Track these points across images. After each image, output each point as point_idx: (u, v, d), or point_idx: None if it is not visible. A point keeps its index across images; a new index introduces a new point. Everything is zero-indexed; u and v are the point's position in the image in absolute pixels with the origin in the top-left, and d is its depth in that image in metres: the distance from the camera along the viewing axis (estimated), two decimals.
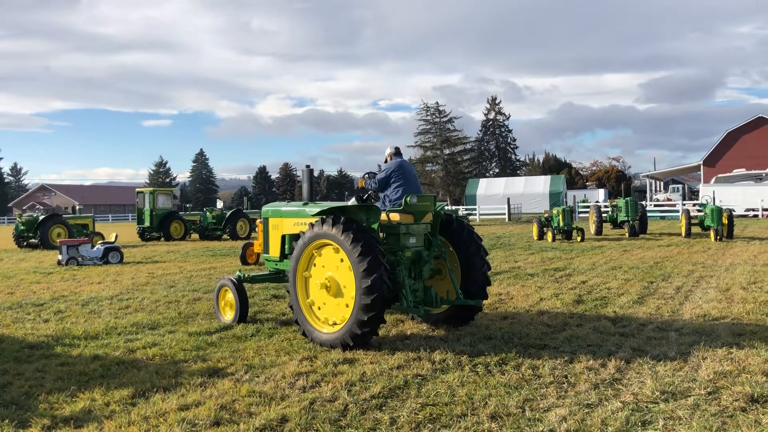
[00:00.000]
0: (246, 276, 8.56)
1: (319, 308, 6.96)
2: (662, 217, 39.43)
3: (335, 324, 6.77)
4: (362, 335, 6.48)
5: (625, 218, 24.12)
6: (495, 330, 7.44)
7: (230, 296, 8.29)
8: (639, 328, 7.48)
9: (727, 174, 52.73)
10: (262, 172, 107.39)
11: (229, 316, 8.30)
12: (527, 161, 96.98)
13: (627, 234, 23.48)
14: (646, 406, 4.75)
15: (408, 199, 7.31)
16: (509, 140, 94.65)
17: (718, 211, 21.28)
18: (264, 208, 8.75)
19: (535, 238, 23.46)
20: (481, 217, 47.99)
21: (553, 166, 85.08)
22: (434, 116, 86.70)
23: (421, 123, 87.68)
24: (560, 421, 4.44)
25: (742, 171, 52.46)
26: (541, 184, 60.40)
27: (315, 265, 7.03)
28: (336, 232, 6.60)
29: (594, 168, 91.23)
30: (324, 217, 6.90)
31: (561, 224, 22.62)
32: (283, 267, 8.24)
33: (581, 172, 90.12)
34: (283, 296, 10.43)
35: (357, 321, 6.43)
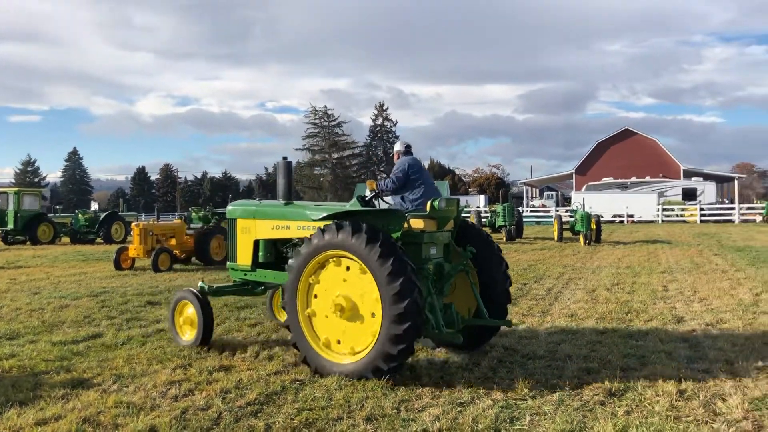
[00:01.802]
0: (211, 287, 7.22)
1: (325, 332, 5.76)
2: (537, 222, 41.49)
3: (356, 353, 5.57)
4: (388, 371, 5.37)
5: (503, 223, 25.20)
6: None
7: (190, 312, 6.91)
8: (512, 328, 7.78)
9: (597, 182, 56.24)
10: (141, 173, 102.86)
11: (188, 335, 6.92)
12: None
13: (504, 238, 24.52)
14: (515, 403, 4.94)
15: (436, 203, 6.28)
16: None
17: (588, 217, 22.62)
18: (230, 208, 7.45)
19: None
20: None
21: (437, 172, 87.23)
22: (323, 120, 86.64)
23: (309, 126, 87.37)
24: (433, 421, 4.54)
25: (610, 180, 56.07)
26: None
27: (320, 282, 5.80)
28: (357, 243, 5.43)
29: (476, 175, 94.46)
30: (338, 223, 5.64)
31: None
32: (256, 278, 7.08)
33: (464, 179, 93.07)
34: (159, 302, 10.02)
35: (383, 354, 5.31)
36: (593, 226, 22.39)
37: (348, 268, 5.61)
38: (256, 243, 7.03)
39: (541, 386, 5.34)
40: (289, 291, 5.89)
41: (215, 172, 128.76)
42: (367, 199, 6.98)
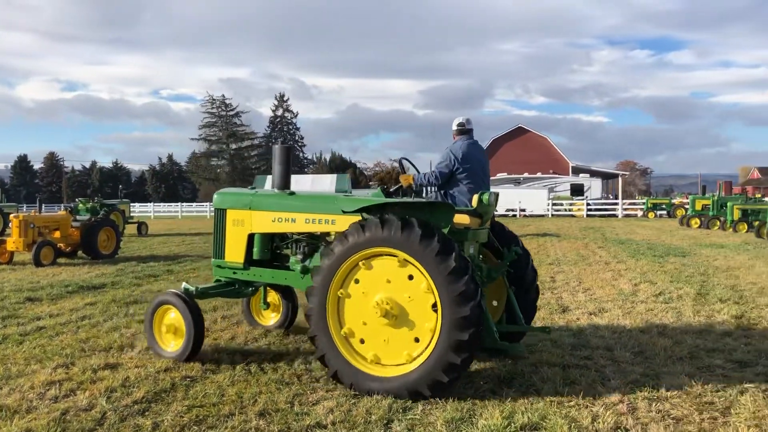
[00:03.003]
0: (197, 288, 6.30)
1: (363, 341, 5.10)
2: None
3: (400, 364, 4.95)
4: (448, 383, 4.80)
5: None
6: (272, 327, 7.40)
7: (174, 317, 5.99)
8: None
9: (492, 178, 57.90)
10: (23, 162, 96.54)
11: (173, 345, 5.96)
12: (314, 160, 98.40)
13: None
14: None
15: (486, 197, 5.74)
16: (297, 138, 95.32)
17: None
18: (218, 197, 6.49)
19: None
20: None
21: (339, 165, 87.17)
22: (220, 109, 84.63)
23: (206, 116, 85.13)
24: (327, 414, 4.53)
25: (504, 175, 58.00)
26: (328, 182, 61.44)
27: (358, 282, 5.11)
28: (408, 239, 4.82)
29: (377, 169, 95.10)
30: (382, 217, 4.98)
31: None
32: (248, 277, 6.29)
33: (365, 172, 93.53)
34: (40, 299, 9.45)
35: (443, 364, 4.72)
36: None
37: (411, 278, 4.92)
38: (251, 238, 6.22)
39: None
40: (317, 295, 5.13)
41: (105, 162, 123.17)
42: (391, 190, 6.25)
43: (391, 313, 4.93)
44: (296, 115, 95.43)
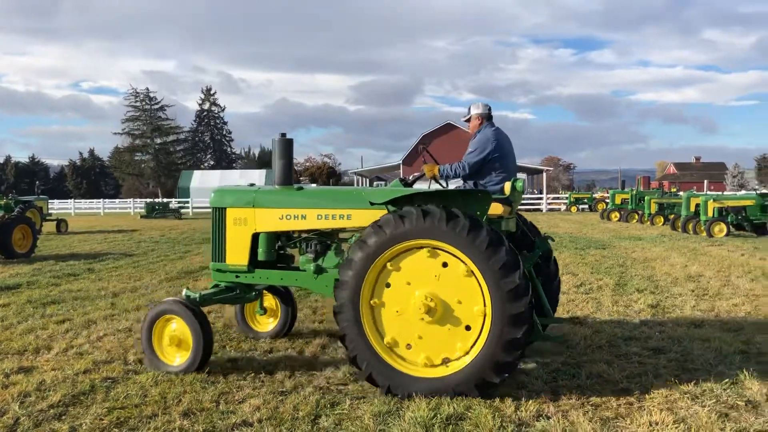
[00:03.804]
0: (200, 295, 5.70)
1: (409, 346, 4.78)
2: None
3: (446, 362, 4.69)
4: (499, 383, 4.62)
5: None
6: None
7: (179, 328, 5.41)
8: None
9: (420, 173, 58.51)
10: None
11: (179, 359, 5.41)
12: (243, 154, 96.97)
13: None
14: (337, 388, 5.01)
15: (519, 184, 5.60)
16: (225, 132, 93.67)
17: None
18: (216, 195, 5.96)
19: None
20: (195, 210, 46.77)
21: (268, 160, 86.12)
22: (144, 103, 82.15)
23: (129, 109, 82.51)
24: (254, 411, 4.47)
25: None
26: (257, 177, 60.83)
27: (390, 284, 4.79)
28: (454, 231, 4.54)
29: (308, 164, 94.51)
30: (424, 208, 4.67)
31: None
32: (254, 280, 5.84)
33: (295, 168, 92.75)
34: None
35: (493, 363, 4.52)
36: None
37: (453, 271, 4.66)
38: (255, 237, 5.79)
39: None
40: (348, 289, 4.78)
41: (21, 157, 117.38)
42: (410, 180, 6.04)
43: (436, 310, 4.66)
44: (223, 109, 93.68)
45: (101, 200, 54.07)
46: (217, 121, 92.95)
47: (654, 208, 25.70)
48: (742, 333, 6.61)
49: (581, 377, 5.15)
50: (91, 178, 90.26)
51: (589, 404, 4.56)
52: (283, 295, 6.73)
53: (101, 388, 5.00)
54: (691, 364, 5.52)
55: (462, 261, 4.61)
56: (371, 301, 4.81)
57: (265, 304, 6.74)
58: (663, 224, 24.47)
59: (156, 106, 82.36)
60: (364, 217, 5.28)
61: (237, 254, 5.78)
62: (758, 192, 21.23)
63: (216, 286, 5.99)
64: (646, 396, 4.72)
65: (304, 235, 5.86)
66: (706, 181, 49.74)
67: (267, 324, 6.81)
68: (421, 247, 4.71)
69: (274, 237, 5.85)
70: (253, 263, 5.79)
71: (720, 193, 32.58)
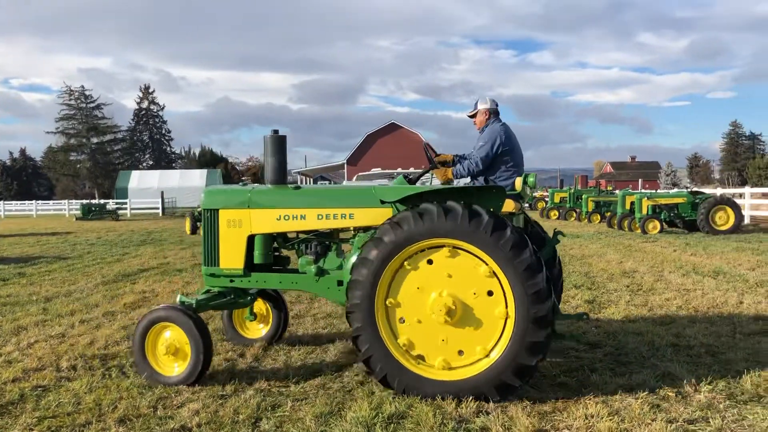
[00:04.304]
0: (197, 301, 5.43)
1: (426, 348, 4.67)
2: None
3: (465, 365, 4.60)
4: (519, 387, 4.54)
5: None
6: (134, 329, 7.05)
7: (172, 336, 5.16)
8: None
9: (367, 172, 58.65)
10: None
11: (178, 369, 5.14)
12: (183, 154, 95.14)
13: None
14: (278, 390, 4.96)
15: (531, 179, 5.58)
16: (164, 131, 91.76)
17: None
18: (207, 196, 5.65)
19: (188, 232, 22.91)
20: (133, 211, 45.62)
21: (209, 160, 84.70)
22: (79, 101, 79.65)
23: (63, 108, 79.86)
24: (192, 416, 4.39)
25: (378, 170, 58.75)
26: (198, 178, 59.83)
27: (409, 278, 4.66)
28: (476, 230, 4.43)
29: (250, 163, 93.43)
30: (444, 206, 4.54)
31: None
32: (250, 285, 5.60)
33: (238, 167, 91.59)
34: None
35: (515, 366, 4.45)
36: None
37: (475, 270, 4.55)
38: (250, 239, 5.52)
39: (305, 372, 5.43)
40: (363, 290, 4.63)
41: None
42: (412, 177, 5.87)
43: (456, 311, 4.55)
44: (163, 108, 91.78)
45: (34, 202, 52.10)
46: (156, 120, 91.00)
47: (591, 206, 26.38)
48: (674, 326, 6.85)
49: None
50: (23, 178, 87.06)
51: (527, 399, 4.63)
52: (274, 299, 6.47)
53: (31, 397, 4.82)
54: (625, 358, 5.69)
55: (484, 261, 4.52)
56: (386, 301, 4.68)
57: (255, 309, 6.47)
58: (600, 222, 25.18)
59: (92, 105, 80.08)
60: (367, 216, 5.19)
61: (231, 258, 5.51)
62: (689, 190, 22.08)
63: (207, 291, 5.71)
64: (583, 389, 4.84)
65: (302, 236, 5.67)
66: (640, 180, 51.27)
67: (257, 330, 6.52)
68: (441, 246, 4.58)
69: (271, 238, 5.62)
70: (249, 266, 5.55)
71: (654, 191, 33.68)
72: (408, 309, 4.67)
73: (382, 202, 5.09)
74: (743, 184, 74.78)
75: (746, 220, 23.20)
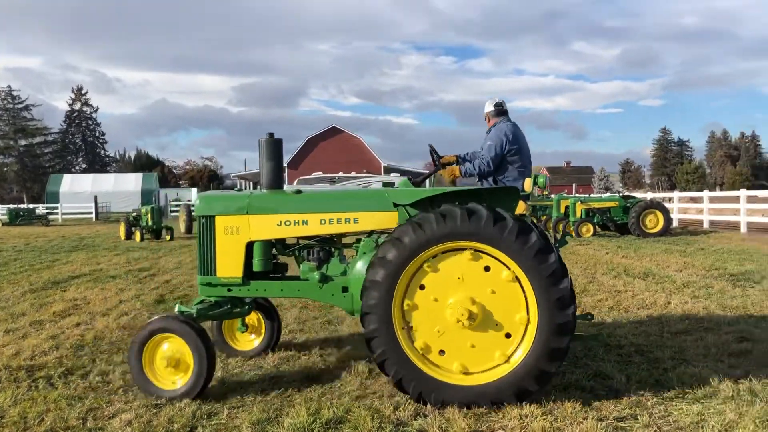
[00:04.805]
0: (198, 310, 5.24)
1: (443, 352, 4.57)
2: None
3: (484, 370, 4.53)
4: (536, 392, 4.51)
5: None
6: (63, 339, 6.82)
7: (170, 348, 4.91)
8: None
9: (308, 176, 58.40)
10: None
11: (180, 381, 4.90)
12: (118, 157, 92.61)
13: None
14: (215, 398, 4.86)
15: (541, 180, 5.47)
16: (98, 134, 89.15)
17: None
18: (202, 202, 5.38)
19: (123, 238, 22.45)
20: (65, 216, 44.09)
21: (145, 163, 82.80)
22: (6, 102, 76.60)
23: None
24: (125, 426, 4.27)
25: (319, 174, 58.53)
26: (133, 181, 58.35)
27: (424, 287, 4.57)
28: (504, 235, 4.36)
29: (188, 167, 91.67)
30: (468, 208, 4.46)
31: (150, 223, 22.27)
32: (250, 293, 5.38)
33: (175, 171, 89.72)
34: None
35: (536, 372, 4.41)
36: None
37: (496, 275, 4.49)
38: (249, 246, 5.29)
39: (243, 379, 5.35)
40: (380, 292, 4.51)
41: None
42: (419, 180, 5.79)
43: (478, 317, 4.48)
44: (96, 110, 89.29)
45: None
46: (90, 122, 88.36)
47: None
48: (605, 327, 7.07)
49: None
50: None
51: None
52: (266, 308, 6.21)
53: None
54: None
55: (506, 265, 4.45)
56: (404, 304, 4.59)
57: (246, 319, 6.19)
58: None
59: (20, 106, 77.09)
60: (373, 220, 5.09)
61: (229, 266, 5.27)
62: (621, 194, 22.82)
63: (201, 301, 5.48)
64: None
65: (303, 242, 5.51)
66: (575, 184, 52.76)
67: (249, 342, 6.25)
68: (463, 249, 4.50)
69: (270, 245, 5.42)
70: (247, 274, 5.33)
71: (587, 195, 34.67)
72: (426, 312, 4.57)
73: (396, 205, 5.00)
74: (672, 188, 77.89)
75: (674, 223, 24.19)
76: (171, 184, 77.35)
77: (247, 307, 5.72)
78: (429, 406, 4.54)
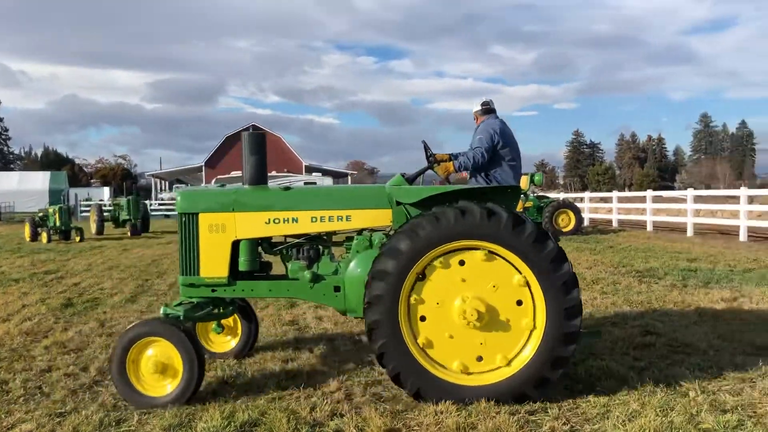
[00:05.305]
0: (185, 312, 4.99)
1: (444, 350, 4.54)
2: (166, 216, 40.59)
3: (484, 371, 4.53)
4: (536, 395, 4.51)
5: (127, 217, 24.05)
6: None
7: (156, 353, 4.69)
8: (128, 326, 7.40)
9: (226, 176, 57.37)
10: None
11: (170, 386, 4.68)
12: (23, 155, 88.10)
13: (129, 233, 23.43)
14: (124, 404, 4.69)
15: (537, 178, 5.18)
16: (1, 130, 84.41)
17: None
18: (184, 199, 5.17)
19: (28, 239, 21.35)
20: None
21: (54, 161, 79.13)
22: None
23: None
24: None
25: (238, 173, 57.58)
26: (40, 180, 55.56)
27: (428, 284, 4.51)
28: (522, 239, 4.35)
29: (100, 165, 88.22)
30: (485, 207, 4.43)
31: (58, 224, 21.28)
32: (236, 294, 5.19)
33: (86, 169, 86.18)
34: None
35: (537, 378, 4.46)
36: None
37: (504, 275, 4.47)
38: (235, 245, 5.10)
39: None
40: (388, 283, 4.43)
41: None
42: (412, 176, 5.66)
43: (484, 316, 4.44)
44: None
45: None
46: None
47: None
48: None
49: (374, 374, 5.32)
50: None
51: (381, 400, 4.72)
52: (243, 309, 6.00)
53: None
54: None
55: (518, 270, 4.44)
56: (411, 298, 4.51)
57: (222, 321, 5.87)
58: None
59: None
60: (366, 218, 5.01)
61: (214, 266, 5.07)
62: (535, 194, 23.52)
63: (180, 303, 5.22)
64: None
65: (290, 240, 5.35)
66: None
67: (225, 344, 6.04)
68: (477, 249, 4.46)
69: (257, 244, 5.24)
70: (233, 274, 5.14)
71: None
72: (432, 308, 4.52)
73: (398, 203, 4.95)
74: (584, 189, 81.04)
75: (586, 222, 25.16)
76: (82, 183, 74.20)
77: (230, 307, 5.57)
78: (346, 406, 4.55)
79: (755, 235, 19.19)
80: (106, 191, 57.89)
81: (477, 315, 4.43)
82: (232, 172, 58.34)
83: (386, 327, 4.46)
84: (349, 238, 5.33)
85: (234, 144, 67.25)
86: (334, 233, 5.39)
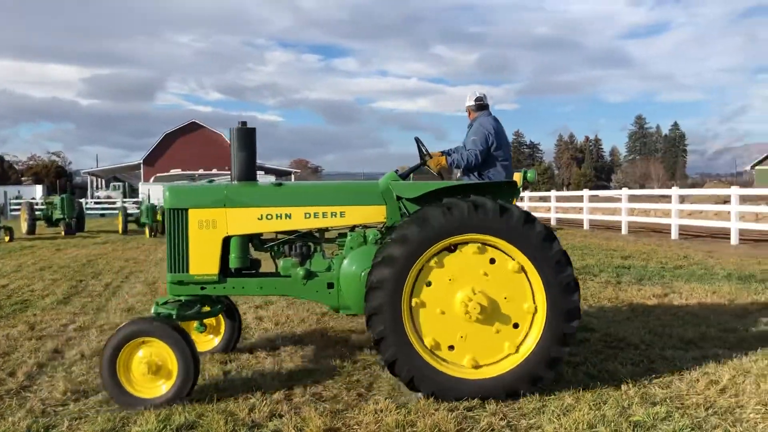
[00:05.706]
0: (177, 310, 4.90)
1: (452, 348, 4.55)
2: (102, 215, 39.57)
3: (495, 362, 4.56)
4: (545, 380, 4.58)
5: (61, 216, 23.25)
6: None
7: (147, 354, 4.55)
8: (60, 329, 7.18)
9: (165, 173, 56.13)
10: None
11: (164, 387, 4.55)
12: None
13: (63, 232, 22.69)
14: (54, 410, 4.54)
15: (530, 175, 5.52)
16: None
17: (153, 209, 22.39)
18: (172, 194, 5.03)
19: None
20: None
21: None
22: None
23: None
24: None
25: (178, 171, 56.46)
26: None
27: (431, 283, 4.52)
28: (510, 226, 4.42)
29: (32, 162, 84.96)
30: (475, 201, 4.47)
31: None
32: (227, 292, 5.08)
33: (16, 166, 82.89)
34: None
35: (548, 359, 4.51)
36: (159, 218, 22.23)
37: (504, 267, 4.53)
38: (226, 241, 5.00)
39: (86, 388, 5.01)
40: (387, 291, 4.43)
41: None
42: (405, 173, 5.63)
43: (487, 309, 4.48)
44: None
45: None
46: None
47: None
48: None
49: (316, 374, 5.30)
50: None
51: (321, 399, 4.70)
52: (227, 308, 5.88)
53: None
54: None
55: (510, 256, 4.51)
56: (412, 301, 4.51)
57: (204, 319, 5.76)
58: None
59: None
60: (360, 214, 5.00)
61: (204, 263, 4.97)
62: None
63: (166, 302, 5.14)
64: (374, 386, 5.01)
65: (281, 237, 5.26)
66: None
67: (208, 342, 5.95)
68: (468, 242, 4.50)
69: (248, 240, 5.16)
70: (223, 271, 5.05)
71: None
72: (434, 308, 4.55)
73: (398, 199, 5.01)
74: (524, 188, 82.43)
75: None
76: (12, 180, 71.24)
77: (219, 305, 5.49)
78: (285, 406, 4.51)
79: (686, 233, 19.95)
80: (38, 189, 55.75)
81: (480, 308, 4.48)
82: (172, 170, 57.06)
83: (393, 336, 4.47)
84: (342, 235, 5.34)
85: (173, 141, 65.86)
86: (327, 230, 5.37)
